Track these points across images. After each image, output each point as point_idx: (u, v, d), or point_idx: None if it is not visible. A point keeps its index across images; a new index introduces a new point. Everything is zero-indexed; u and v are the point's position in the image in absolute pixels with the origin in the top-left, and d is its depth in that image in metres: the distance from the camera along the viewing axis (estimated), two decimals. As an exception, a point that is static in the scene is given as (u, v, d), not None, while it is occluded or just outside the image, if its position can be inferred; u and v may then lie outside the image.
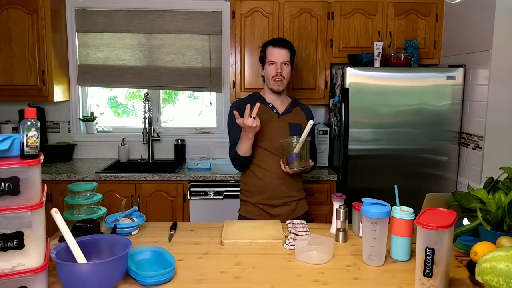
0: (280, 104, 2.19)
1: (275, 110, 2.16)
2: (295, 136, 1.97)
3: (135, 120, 3.70)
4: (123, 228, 1.69)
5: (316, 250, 1.50)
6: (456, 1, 2.97)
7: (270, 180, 2.10)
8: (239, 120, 1.95)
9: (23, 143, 1.16)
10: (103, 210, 1.74)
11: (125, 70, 3.45)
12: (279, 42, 2.13)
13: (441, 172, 2.91)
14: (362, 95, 2.83)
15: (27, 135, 1.16)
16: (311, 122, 1.97)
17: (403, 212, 1.46)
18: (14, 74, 3.10)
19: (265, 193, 2.11)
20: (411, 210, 1.48)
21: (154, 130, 3.49)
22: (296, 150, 1.94)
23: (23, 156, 1.16)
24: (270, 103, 2.17)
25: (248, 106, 1.94)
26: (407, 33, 3.16)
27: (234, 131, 2.13)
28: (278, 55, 2.09)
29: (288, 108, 2.19)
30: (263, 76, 2.21)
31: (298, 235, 1.65)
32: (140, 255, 1.43)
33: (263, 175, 2.11)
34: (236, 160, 2.11)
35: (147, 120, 3.41)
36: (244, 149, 2.05)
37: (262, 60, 2.17)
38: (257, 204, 2.13)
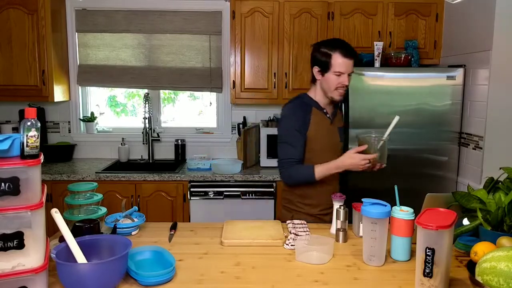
0: (330, 108, 2.05)
1: (328, 116, 2.02)
2: (373, 134, 1.83)
3: (135, 120, 3.70)
4: (123, 228, 1.69)
5: (316, 250, 1.50)
6: (456, 1, 2.97)
7: (324, 191, 1.99)
8: (360, 155, 1.78)
9: (23, 143, 1.16)
10: (103, 210, 1.74)
11: (125, 70, 3.45)
12: (349, 52, 1.90)
13: (441, 172, 2.91)
14: (362, 95, 2.83)
15: (27, 135, 1.16)
16: (397, 117, 1.77)
17: (403, 212, 1.46)
18: (14, 74, 3.10)
19: (322, 205, 2.02)
20: (411, 210, 1.48)
21: (154, 130, 3.49)
22: (378, 148, 1.79)
23: (23, 156, 1.16)
24: (324, 108, 2.02)
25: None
26: (407, 33, 3.16)
27: (295, 144, 1.93)
28: (347, 66, 1.89)
29: (334, 111, 2.07)
30: (314, 79, 1.99)
31: (298, 235, 1.65)
32: (140, 255, 1.44)
33: (320, 187, 1.98)
34: (304, 181, 1.94)
35: (147, 120, 3.41)
36: (325, 175, 1.91)
37: (326, 66, 1.90)
38: (315, 215, 2.02)
